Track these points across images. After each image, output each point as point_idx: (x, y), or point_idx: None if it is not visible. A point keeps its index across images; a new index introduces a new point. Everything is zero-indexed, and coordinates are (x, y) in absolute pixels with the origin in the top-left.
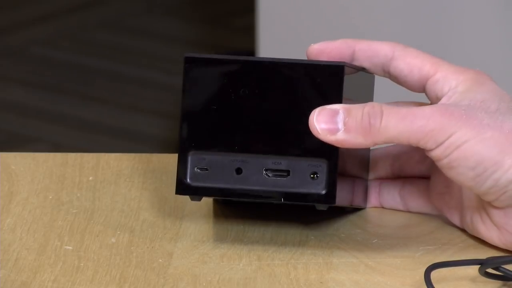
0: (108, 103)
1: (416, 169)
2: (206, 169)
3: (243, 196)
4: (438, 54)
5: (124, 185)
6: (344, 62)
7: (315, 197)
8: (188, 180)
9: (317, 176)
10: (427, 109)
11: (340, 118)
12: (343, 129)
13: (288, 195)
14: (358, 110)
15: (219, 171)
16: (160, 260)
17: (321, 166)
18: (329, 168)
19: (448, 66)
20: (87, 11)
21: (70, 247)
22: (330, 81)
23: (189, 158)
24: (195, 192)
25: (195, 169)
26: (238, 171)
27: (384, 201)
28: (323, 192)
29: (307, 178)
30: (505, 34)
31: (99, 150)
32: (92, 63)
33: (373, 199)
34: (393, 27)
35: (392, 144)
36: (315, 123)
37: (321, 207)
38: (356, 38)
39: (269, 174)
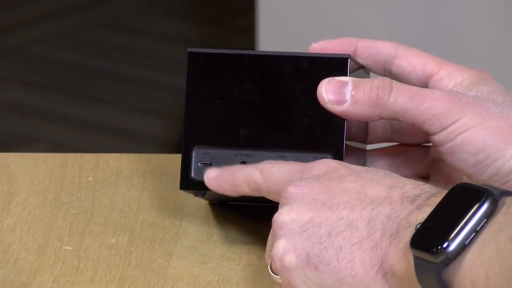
0: (108, 103)
1: (414, 170)
2: (210, 164)
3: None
4: (439, 55)
5: (123, 185)
6: (348, 54)
7: None
8: (192, 175)
9: None
10: (436, 92)
11: (348, 89)
12: (350, 100)
13: None
14: (367, 83)
15: (223, 166)
16: (160, 261)
17: None
18: None
19: (451, 64)
20: (87, 11)
21: (70, 248)
22: (335, 74)
23: (193, 153)
24: (200, 187)
25: (199, 164)
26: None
27: None
28: None
29: None
30: (506, 35)
31: (98, 150)
32: (92, 63)
33: None
34: (393, 28)
35: (390, 143)
36: (323, 93)
37: None
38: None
39: None
